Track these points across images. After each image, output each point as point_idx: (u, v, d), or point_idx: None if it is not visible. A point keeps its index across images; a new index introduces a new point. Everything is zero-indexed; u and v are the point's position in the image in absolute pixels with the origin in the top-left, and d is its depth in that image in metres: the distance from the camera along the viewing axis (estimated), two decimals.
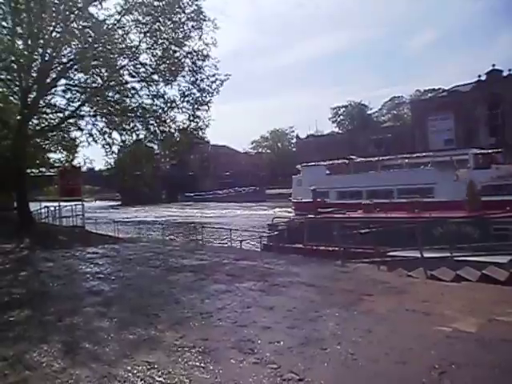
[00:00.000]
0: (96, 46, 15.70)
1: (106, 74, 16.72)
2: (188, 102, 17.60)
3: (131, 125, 18.15)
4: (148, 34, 16.43)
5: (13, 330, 5.44)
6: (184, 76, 17.33)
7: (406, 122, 71.66)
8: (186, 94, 17.54)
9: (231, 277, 8.26)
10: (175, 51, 16.85)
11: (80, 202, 19.38)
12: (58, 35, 15.37)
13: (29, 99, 16.30)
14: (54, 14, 14.89)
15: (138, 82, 17.33)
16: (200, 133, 18.54)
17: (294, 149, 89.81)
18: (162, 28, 16.42)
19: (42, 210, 22.90)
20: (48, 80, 16.41)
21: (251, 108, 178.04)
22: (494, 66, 55.58)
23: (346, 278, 8.16)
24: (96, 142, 18.28)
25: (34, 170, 21.16)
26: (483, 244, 11.00)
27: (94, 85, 17.33)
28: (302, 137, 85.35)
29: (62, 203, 19.88)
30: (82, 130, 18.63)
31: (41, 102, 17.23)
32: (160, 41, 16.59)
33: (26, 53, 15.06)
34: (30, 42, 15.11)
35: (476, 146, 40.88)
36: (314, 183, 33.08)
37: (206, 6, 16.84)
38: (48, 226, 19.90)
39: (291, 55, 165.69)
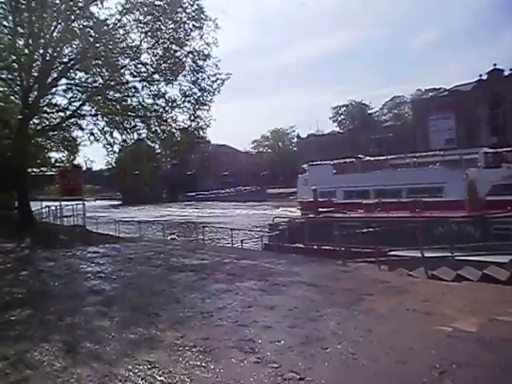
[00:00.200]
0: (97, 45, 15.73)
1: (107, 73, 16.74)
2: (189, 101, 17.63)
3: (132, 124, 18.17)
4: (149, 34, 16.44)
5: (14, 329, 5.45)
6: (185, 75, 17.36)
7: (407, 121, 71.59)
8: (187, 93, 17.56)
9: (232, 276, 8.26)
10: (176, 51, 16.86)
11: (81, 202, 19.40)
12: (59, 35, 15.41)
13: (30, 99, 16.33)
14: (54, 14, 14.91)
15: (139, 81, 17.35)
16: (201, 132, 18.53)
17: (294, 148, 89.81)
18: (162, 27, 16.43)
19: (43, 210, 22.91)
20: (49, 79, 16.43)
21: (252, 107, 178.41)
22: (495, 65, 55.57)
23: (346, 277, 8.16)
24: (98, 140, 18.32)
25: (34, 170, 21.17)
26: (484, 244, 11.00)
27: (95, 84, 17.34)
28: (303, 136, 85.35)
29: (63, 202, 19.91)
30: (82, 129, 18.72)
31: (42, 101, 17.25)
32: (161, 40, 16.61)
33: (26, 52, 15.10)
34: (30, 42, 15.13)
35: (477, 145, 40.83)
36: (320, 182, 32.86)
37: (207, 6, 16.89)
38: (49, 225, 19.92)
39: (293, 54, 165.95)
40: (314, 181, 34.99)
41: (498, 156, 28.77)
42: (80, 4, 15.14)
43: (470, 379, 3.60)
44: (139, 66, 17.08)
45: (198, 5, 16.43)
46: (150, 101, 17.90)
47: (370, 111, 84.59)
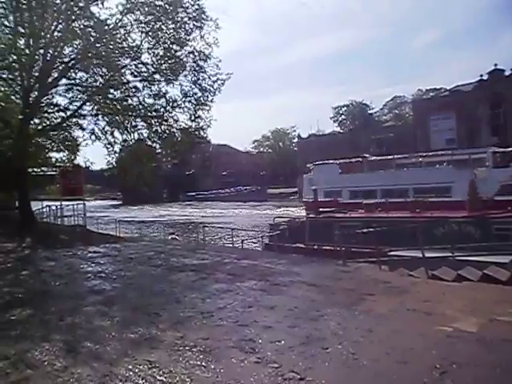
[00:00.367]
0: (98, 45, 15.72)
1: (107, 73, 16.73)
2: (189, 101, 17.63)
3: (133, 124, 18.16)
4: (150, 34, 16.45)
5: (14, 328, 5.45)
6: (186, 75, 17.36)
7: (408, 121, 71.46)
8: (188, 93, 17.56)
9: (232, 276, 8.26)
10: (177, 51, 16.87)
11: (81, 202, 19.40)
12: (60, 34, 15.41)
13: (30, 98, 16.33)
14: (55, 14, 14.92)
15: (140, 81, 17.35)
16: (201, 132, 18.52)
17: (295, 148, 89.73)
18: (163, 27, 16.44)
19: (44, 210, 22.91)
20: (50, 79, 16.43)
21: (253, 107, 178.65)
22: (496, 65, 55.46)
23: (347, 277, 8.15)
24: (99, 139, 18.30)
25: (35, 170, 21.14)
26: (485, 244, 11.00)
27: (95, 84, 17.34)
28: (304, 136, 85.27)
29: (64, 202, 19.90)
30: (83, 129, 18.69)
31: (42, 101, 17.25)
32: (162, 40, 16.60)
33: (27, 52, 15.11)
34: (31, 42, 15.13)
35: (478, 145, 40.74)
36: (326, 182, 32.64)
37: (207, 6, 16.88)
38: (49, 225, 19.91)
39: (294, 54, 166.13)
40: (319, 180, 34.64)
41: (506, 156, 28.43)
42: (81, 4, 15.15)
43: (471, 379, 3.60)
44: (140, 65, 17.09)
45: (198, 5, 16.47)
46: (151, 101, 17.93)
47: (370, 111, 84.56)
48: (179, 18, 16.45)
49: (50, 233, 16.29)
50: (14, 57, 15.03)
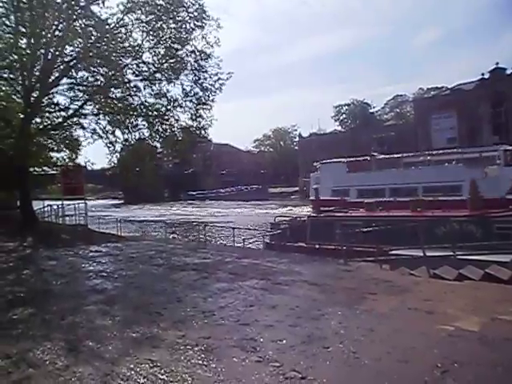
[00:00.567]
0: (98, 44, 15.73)
1: (108, 72, 16.72)
2: (191, 100, 17.63)
3: (134, 123, 18.16)
4: (151, 33, 16.44)
5: (16, 328, 5.46)
6: (187, 75, 17.35)
7: (409, 120, 71.35)
8: (189, 92, 17.55)
9: (234, 275, 8.27)
10: (178, 50, 16.85)
11: (83, 201, 19.42)
12: (61, 34, 15.39)
13: (32, 98, 16.33)
14: (56, 13, 14.91)
15: (141, 80, 17.33)
16: (202, 132, 18.52)
17: (296, 147, 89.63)
18: (164, 27, 16.42)
19: (45, 209, 22.94)
20: (51, 79, 16.43)
21: (254, 106, 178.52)
22: (497, 64, 55.31)
23: (348, 276, 8.15)
24: (101, 137, 18.30)
25: (36, 169, 21.16)
26: (486, 243, 10.97)
27: (96, 83, 17.34)
28: (305, 135, 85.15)
29: (65, 202, 19.92)
30: (84, 128, 18.70)
31: (43, 100, 17.24)
32: (163, 40, 16.59)
33: (28, 51, 15.11)
34: (32, 41, 15.12)
35: (479, 144, 40.65)
36: (333, 181, 32.47)
37: (209, 5, 16.94)
38: (51, 224, 19.94)
39: (295, 53, 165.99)
40: (326, 179, 34.42)
41: None
42: (81, 3, 15.16)
43: (472, 378, 3.60)
44: (141, 65, 17.08)
45: (199, 4, 16.43)
46: (152, 100, 17.92)
47: (371, 110, 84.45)
48: (180, 18, 16.43)
49: (51, 232, 16.30)
50: (15, 56, 15.03)
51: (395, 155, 33.21)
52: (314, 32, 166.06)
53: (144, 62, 17.03)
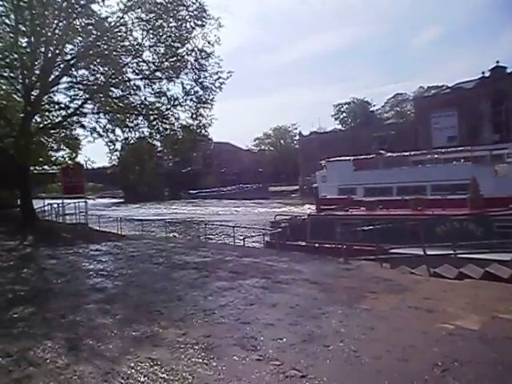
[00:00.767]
0: (99, 43, 15.71)
1: (109, 71, 16.71)
2: (191, 99, 17.59)
3: (134, 122, 18.14)
4: (151, 32, 16.40)
5: (17, 326, 5.47)
6: (187, 74, 17.31)
7: (409, 118, 71.31)
8: (189, 91, 17.53)
9: (234, 274, 8.28)
10: (178, 48, 16.83)
11: (83, 200, 19.42)
12: (61, 33, 15.37)
13: (32, 97, 16.30)
14: (56, 12, 14.89)
15: (141, 79, 17.30)
16: (203, 131, 18.50)
17: (296, 146, 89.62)
18: (164, 25, 16.38)
19: (45, 208, 22.95)
20: (51, 77, 16.40)
21: (254, 105, 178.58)
22: (497, 62, 55.30)
23: (348, 275, 8.15)
24: (101, 136, 18.28)
25: (37, 168, 21.17)
26: (486, 241, 10.97)
27: (96, 82, 17.30)
28: (305, 134, 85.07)
29: (65, 200, 19.93)
30: (84, 127, 18.66)
31: (44, 99, 17.22)
32: (163, 38, 16.56)
33: (28, 50, 15.10)
34: (32, 40, 15.10)
35: (480, 142, 40.60)
36: (339, 179, 32.18)
37: (209, 4, 16.76)
38: (51, 223, 19.94)
39: (295, 52, 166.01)
40: (332, 177, 34.04)
41: None
42: (81, 2, 15.11)
43: (473, 377, 3.60)
44: (141, 63, 17.04)
45: (199, 3, 16.38)
46: (152, 99, 17.88)
47: (371, 109, 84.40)
48: (180, 16, 16.40)
49: (51, 231, 16.30)
50: (16, 55, 15.02)
51: (403, 153, 32.90)
52: (314, 31, 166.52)
53: (144, 61, 17.01)
